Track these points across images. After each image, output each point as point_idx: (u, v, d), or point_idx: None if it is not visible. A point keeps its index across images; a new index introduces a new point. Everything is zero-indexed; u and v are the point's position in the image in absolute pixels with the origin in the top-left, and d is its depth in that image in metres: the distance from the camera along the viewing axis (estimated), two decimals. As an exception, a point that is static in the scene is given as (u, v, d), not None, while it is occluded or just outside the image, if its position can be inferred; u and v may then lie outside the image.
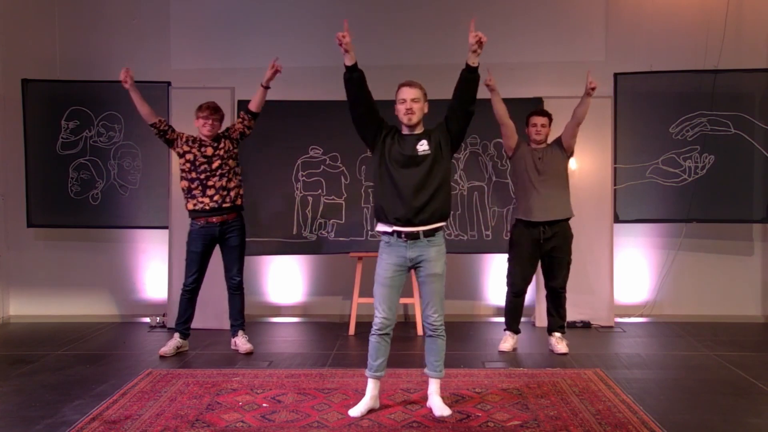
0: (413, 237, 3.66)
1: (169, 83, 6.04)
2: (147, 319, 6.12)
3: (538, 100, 5.70)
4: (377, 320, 3.72)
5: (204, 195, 4.90)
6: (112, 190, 6.12)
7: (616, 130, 5.94)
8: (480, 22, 6.18)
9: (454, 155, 5.84)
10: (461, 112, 3.73)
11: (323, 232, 5.89)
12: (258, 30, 6.29)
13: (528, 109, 5.21)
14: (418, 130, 3.75)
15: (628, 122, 5.95)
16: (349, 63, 3.71)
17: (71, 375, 4.55)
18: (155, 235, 6.21)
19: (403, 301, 5.86)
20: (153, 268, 6.32)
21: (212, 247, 5.05)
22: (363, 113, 3.72)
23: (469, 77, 3.69)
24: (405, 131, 3.76)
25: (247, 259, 5.99)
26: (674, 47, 6.11)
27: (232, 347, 5.16)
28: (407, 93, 3.70)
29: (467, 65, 3.68)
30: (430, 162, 3.67)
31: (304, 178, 5.92)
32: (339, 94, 5.98)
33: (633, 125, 5.96)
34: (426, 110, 3.76)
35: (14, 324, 6.32)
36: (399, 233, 3.67)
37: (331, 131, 5.87)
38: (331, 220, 5.90)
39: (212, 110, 4.93)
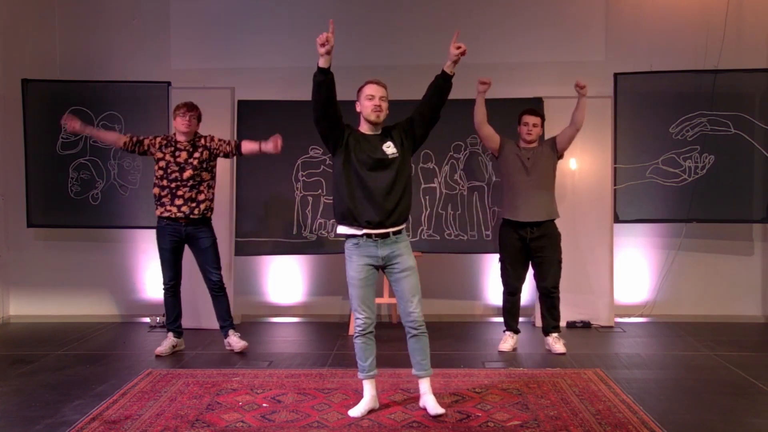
0: (383, 236, 3.69)
1: (169, 83, 6.04)
2: (147, 319, 6.13)
3: (538, 100, 5.70)
4: (359, 321, 3.73)
5: (172, 204, 4.87)
6: (112, 190, 6.12)
7: (616, 130, 5.94)
8: (480, 22, 6.25)
9: (455, 155, 5.86)
10: (430, 117, 3.78)
11: (323, 232, 5.89)
12: (258, 30, 6.29)
13: (523, 109, 5.19)
14: (379, 129, 3.78)
15: (628, 122, 5.95)
16: (324, 65, 3.69)
17: (71, 375, 4.55)
18: (155, 235, 6.19)
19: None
20: (153, 268, 6.29)
21: (181, 246, 5.03)
22: (330, 115, 3.71)
23: (444, 85, 3.75)
24: (366, 129, 3.77)
25: (247, 259, 6.01)
26: (674, 47, 6.11)
27: (226, 347, 5.16)
28: (377, 90, 3.73)
29: (443, 72, 3.72)
30: (398, 164, 3.70)
31: (304, 178, 5.92)
32: (339, 94, 5.99)
33: (633, 125, 5.96)
34: (387, 111, 3.79)
35: (14, 324, 6.32)
36: (369, 235, 3.68)
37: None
38: (331, 220, 5.89)
39: (188, 107, 4.90)
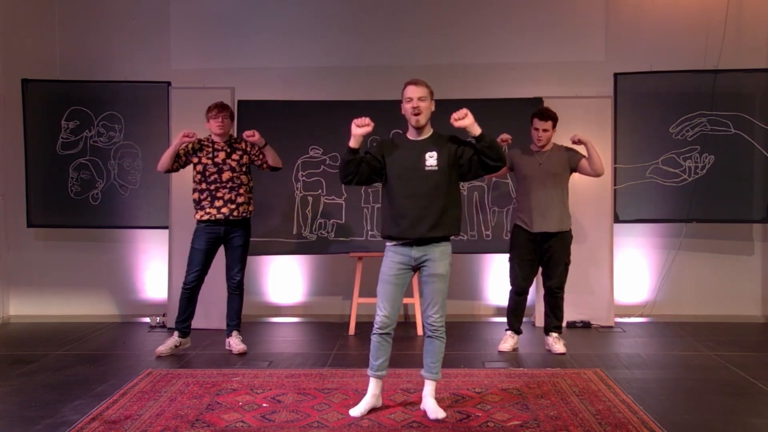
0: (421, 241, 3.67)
1: (169, 83, 6.04)
2: (147, 319, 6.12)
3: (538, 100, 5.70)
4: (378, 318, 3.70)
5: (212, 206, 4.87)
6: (112, 190, 6.12)
7: (616, 130, 5.94)
8: (480, 22, 6.26)
9: (496, 170, 5.85)
10: (487, 169, 3.67)
11: (323, 232, 5.89)
12: (258, 30, 6.29)
13: (528, 109, 5.18)
14: (426, 133, 3.69)
15: (628, 122, 5.95)
16: (355, 146, 3.62)
17: (71, 375, 4.55)
18: (155, 235, 6.21)
19: (404, 301, 5.86)
20: (153, 268, 6.32)
21: (216, 246, 5.03)
22: (363, 180, 3.71)
23: (482, 146, 3.58)
24: (411, 135, 3.70)
25: (247, 259, 5.99)
26: (674, 47, 6.11)
27: (226, 347, 5.16)
28: (414, 92, 3.61)
29: (473, 137, 3.59)
30: (437, 178, 3.60)
31: (304, 178, 5.92)
32: (339, 94, 6.04)
33: (633, 125, 5.96)
34: (433, 108, 3.69)
35: (14, 324, 6.32)
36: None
37: (331, 131, 5.86)
38: (331, 220, 5.90)
39: (220, 108, 4.91)
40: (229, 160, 4.91)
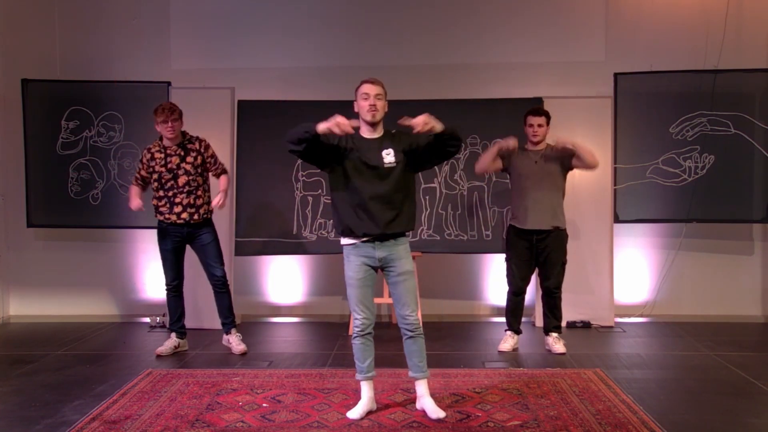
0: (381, 239, 3.65)
1: (169, 83, 6.04)
2: (147, 319, 6.13)
3: (538, 100, 5.69)
4: (357, 322, 3.71)
5: (171, 212, 4.86)
6: (112, 190, 6.12)
7: (616, 130, 5.94)
8: (480, 22, 6.27)
9: (455, 155, 5.86)
10: (442, 160, 3.74)
11: (323, 232, 5.89)
12: (258, 30, 6.29)
13: (528, 109, 5.19)
14: (379, 131, 3.69)
15: (628, 122, 5.95)
16: (319, 132, 3.50)
17: (71, 375, 4.55)
18: (155, 235, 6.18)
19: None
20: (153, 268, 6.29)
21: (183, 245, 5.02)
22: (308, 157, 3.67)
23: (445, 138, 3.56)
24: (365, 132, 3.68)
25: (247, 259, 6.01)
26: (674, 47, 6.11)
27: (224, 343, 5.15)
28: (371, 89, 3.63)
29: (434, 135, 3.55)
30: (397, 174, 3.62)
31: (304, 178, 5.92)
32: (339, 94, 6.02)
33: (633, 125, 5.96)
34: (387, 109, 3.70)
35: (14, 324, 6.32)
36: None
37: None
38: (331, 220, 5.89)
39: (168, 112, 4.79)
40: (183, 164, 4.85)
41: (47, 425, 3.62)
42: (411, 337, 3.73)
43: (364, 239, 3.64)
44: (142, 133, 6.06)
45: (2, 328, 6.19)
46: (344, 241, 3.72)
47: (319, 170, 5.85)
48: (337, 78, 6.19)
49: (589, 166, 4.88)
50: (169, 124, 4.78)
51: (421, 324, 3.79)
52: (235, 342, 5.11)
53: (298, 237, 5.89)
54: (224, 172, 5.04)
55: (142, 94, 6.09)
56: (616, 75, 5.95)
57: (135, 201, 4.89)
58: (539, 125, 4.95)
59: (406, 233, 3.76)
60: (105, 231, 6.25)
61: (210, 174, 5.02)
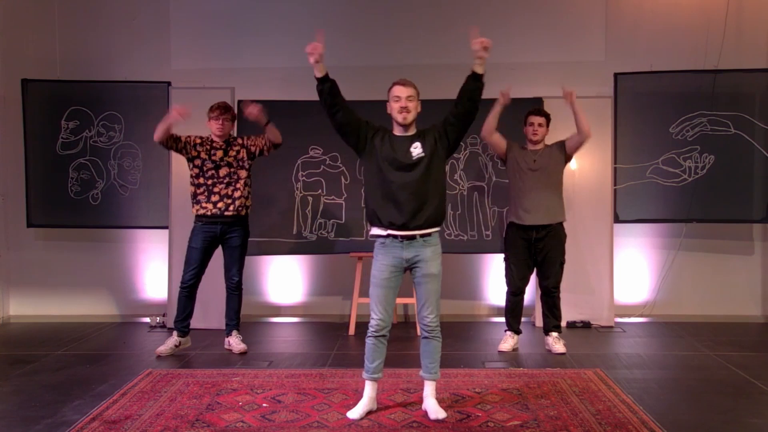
0: (409, 238, 3.65)
1: (169, 83, 6.04)
2: (147, 319, 6.12)
3: (538, 100, 5.70)
4: (373, 322, 3.70)
5: (208, 201, 4.91)
6: (112, 190, 6.12)
7: (616, 130, 5.94)
8: (480, 22, 6.17)
9: (454, 155, 5.85)
10: (464, 118, 3.70)
11: (323, 232, 5.89)
12: (258, 30, 6.29)
13: (528, 109, 5.19)
14: (411, 131, 3.71)
15: (628, 122, 5.95)
16: (319, 74, 3.70)
17: (71, 375, 4.55)
18: (155, 235, 6.21)
19: (403, 301, 5.87)
20: (153, 268, 6.32)
21: (213, 246, 5.04)
22: (343, 121, 3.70)
23: (475, 85, 3.66)
24: (397, 131, 3.72)
25: (247, 259, 6.00)
26: (674, 47, 6.11)
27: (226, 347, 5.16)
28: (402, 91, 3.65)
29: (473, 72, 3.65)
30: (425, 166, 3.62)
31: (304, 178, 5.92)
32: (344, 94, 6.03)
33: (633, 125, 5.96)
34: (419, 109, 3.72)
35: (14, 324, 6.32)
36: (394, 236, 3.66)
37: (331, 131, 5.82)
38: (331, 220, 5.90)
39: (223, 110, 4.93)
40: (226, 158, 4.94)
41: (47, 425, 3.61)
42: (426, 338, 3.74)
43: (391, 231, 3.62)
44: (142, 133, 6.05)
45: (2, 328, 6.19)
46: (373, 231, 3.72)
47: (319, 170, 5.93)
48: (336, 78, 6.14)
49: (583, 131, 4.88)
50: (220, 121, 4.90)
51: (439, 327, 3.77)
52: (235, 342, 5.12)
53: (298, 237, 5.89)
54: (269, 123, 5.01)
55: (142, 94, 6.10)
56: (616, 75, 5.95)
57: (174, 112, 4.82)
58: (539, 125, 4.97)
59: (435, 231, 3.71)
60: (105, 231, 6.25)
61: (267, 148, 5.01)
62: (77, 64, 6.27)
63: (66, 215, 6.15)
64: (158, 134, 4.82)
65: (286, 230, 5.88)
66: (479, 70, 3.65)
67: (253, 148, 5.02)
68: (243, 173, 4.98)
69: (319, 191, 5.91)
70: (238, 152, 4.98)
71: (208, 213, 4.91)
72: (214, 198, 4.91)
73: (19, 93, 6.11)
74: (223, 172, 4.92)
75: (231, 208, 4.92)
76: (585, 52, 6.20)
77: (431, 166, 3.64)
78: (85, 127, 6.12)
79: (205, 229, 4.95)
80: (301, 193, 5.91)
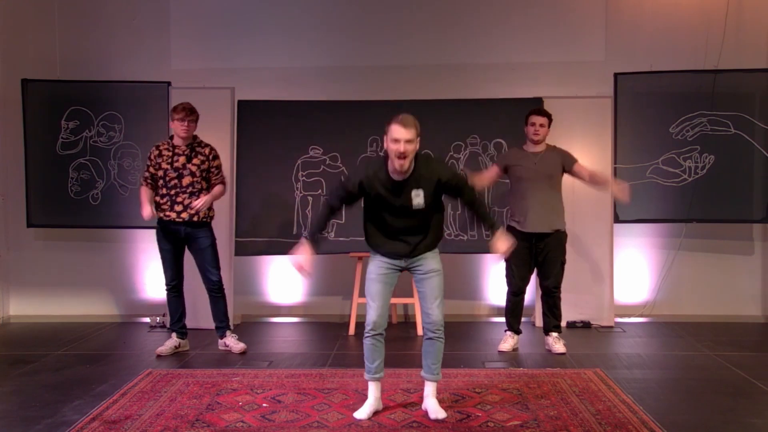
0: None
1: (169, 83, 6.04)
2: (147, 319, 6.13)
3: (538, 100, 5.69)
4: (369, 318, 3.68)
5: (171, 210, 4.87)
6: (112, 190, 6.12)
7: (616, 130, 5.93)
8: (480, 22, 6.27)
9: (454, 155, 5.85)
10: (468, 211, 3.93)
11: (323, 232, 5.87)
12: (258, 30, 6.29)
13: (528, 109, 5.18)
14: (408, 171, 3.52)
15: (628, 122, 5.95)
16: (314, 252, 3.81)
17: (71, 375, 4.55)
18: (155, 235, 6.19)
19: (403, 301, 5.87)
20: (153, 268, 6.29)
21: (181, 245, 5.02)
22: (345, 207, 3.80)
23: (486, 228, 3.83)
24: (394, 174, 3.53)
25: (247, 259, 6.01)
26: (674, 47, 6.11)
27: (221, 347, 5.15)
28: (401, 133, 3.40)
29: (494, 231, 3.74)
30: (425, 212, 3.61)
31: (304, 178, 5.92)
32: (339, 94, 6.04)
33: (633, 125, 5.96)
34: (417, 147, 3.52)
35: (14, 324, 6.32)
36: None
37: (331, 131, 5.87)
38: (331, 220, 5.88)
39: (188, 111, 4.84)
40: (189, 165, 4.87)
41: (47, 425, 3.62)
42: (431, 338, 3.72)
43: (392, 262, 3.70)
44: (142, 133, 6.07)
45: (2, 328, 6.19)
46: (372, 251, 3.78)
47: (319, 170, 5.93)
48: (337, 78, 6.21)
49: (594, 183, 5.05)
50: (186, 123, 4.84)
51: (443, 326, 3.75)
52: (232, 342, 5.12)
53: (298, 237, 5.88)
54: (222, 182, 5.05)
55: (142, 94, 6.09)
56: (616, 75, 5.95)
57: (146, 208, 4.83)
58: (541, 125, 4.94)
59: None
60: (105, 231, 6.25)
61: (213, 183, 5.02)
62: (77, 64, 6.27)
63: (66, 215, 6.15)
64: (147, 212, 4.82)
65: (286, 230, 5.88)
66: (498, 234, 3.73)
67: (211, 175, 4.96)
68: (203, 184, 4.93)
69: (319, 191, 5.91)
70: (202, 162, 4.91)
71: (174, 221, 4.88)
72: (178, 208, 4.86)
73: (19, 93, 6.11)
74: (186, 181, 4.85)
75: (195, 218, 4.89)
76: (585, 52, 6.19)
77: (430, 212, 3.64)
78: (85, 127, 6.12)
79: (169, 229, 4.92)
80: (301, 193, 5.91)
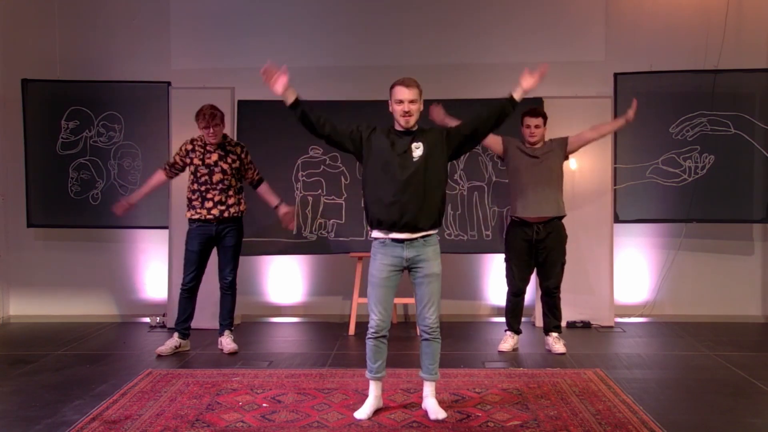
0: (410, 239, 3.64)
1: (169, 83, 6.04)
2: (147, 319, 6.12)
3: (538, 100, 5.69)
4: (373, 323, 3.69)
5: (202, 207, 4.90)
6: (112, 190, 6.12)
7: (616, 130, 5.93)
8: (481, 22, 6.27)
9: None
10: (480, 138, 3.81)
11: (323, 232, 5.89)
12: (258, 30, 6.29)
13: (524, 109, 5.17)
14: (413, 127, 3.66)
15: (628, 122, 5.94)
16: (288, 102, 3.64)
17: (71, 375, 4.55)
18: (155, 235, 6.21)
19: (403, 301, 5.87)
20: (153, 268, 6.32)
21: (209, 246, 5.04)
22: (328, 133, 3.69)
23: (508, 111, 3.68)
24: (399, 127, 3.66)
25: (247, 259, 6.00)
26: (674, 47, 6.11)
27: (218, 347, 5.16)
28: (405, 94, 3.57)
29: (512, 97, 3.66)
30: (427, 165, 3.59)
31: (304, 178, 5.92)
32: (338, 94, 6.05)
33: (633, 125, 5.91)
34: (422, 108, 3.68)
35: (14, 324, 6.32)
36: (396, 239, 3.64)
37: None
38: (331, 220, 5.90)
39: (210, 117, 4.83)
40: (221, 163, 4.90)
41: (47, 425, 3.61)
42: (427, 339, 3.73)
43: (393, 236, 3.62)
44: (142, 133, 6.07)
45: (2, 328, 6.19)
46: (374, 233, 3.71)
47: (319, 170, 5.92)
48: (337, 78, 6.20)
49: (603, 133, 5.14)
50: (211, 129, 4.85)
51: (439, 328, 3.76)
52: (226, 342, 5.12)
53: (298, 237, 5.89)
54: (262, 180, 5.12)
55: (142, 94, 6.10)
56: (616, 75, 5.95)
57: (131, 198, 5.03)
58: (536, 126, 4.92)
59: (435, 232, 3.71)
60: (105, 231, 6.25)
61: (247, 182, 5.09)
62: (77, 64, 6.27)
63: (66, 215, 6.15)
64: (125, 202, 5.01)
65: (286, 230, 5.87)
66: (519, 97, 3.67)
67: (245, 172, 5.03)
68: (235, 182, 4.98)
69: (319, 191, 5.91)
70: (234, 161, 4.95)
71: (203, 218, 4.91)
72: (208, 204, 4.89)
73: (19, 93, 6.11)
74: (216, 178, 4.89)
75: (226, 214, 4.92)
76: (585, 52, 6.20)
77: (430, 168, 3.61)
78: (85, 127, 6.12)
79: (200, 231, 4.95)
80: (301, 193, 5.91)
